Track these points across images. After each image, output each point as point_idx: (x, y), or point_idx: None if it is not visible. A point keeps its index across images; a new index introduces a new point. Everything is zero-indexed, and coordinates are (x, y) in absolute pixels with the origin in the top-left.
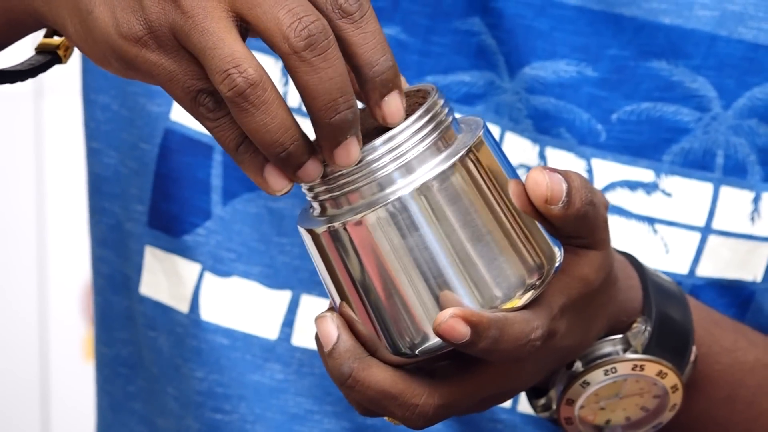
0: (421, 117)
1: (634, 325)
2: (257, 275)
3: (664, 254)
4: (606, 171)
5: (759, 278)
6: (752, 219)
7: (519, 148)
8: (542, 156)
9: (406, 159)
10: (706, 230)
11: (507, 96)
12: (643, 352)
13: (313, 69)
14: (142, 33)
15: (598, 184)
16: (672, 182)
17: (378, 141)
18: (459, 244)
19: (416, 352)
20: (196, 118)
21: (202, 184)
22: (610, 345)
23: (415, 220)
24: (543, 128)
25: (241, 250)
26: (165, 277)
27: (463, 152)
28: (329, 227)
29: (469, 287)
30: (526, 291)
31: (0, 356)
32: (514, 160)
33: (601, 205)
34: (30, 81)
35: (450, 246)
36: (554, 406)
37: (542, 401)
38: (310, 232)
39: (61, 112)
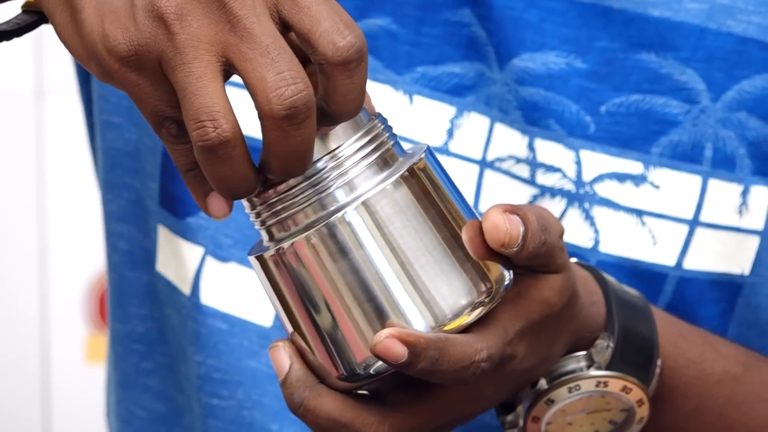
0: (361, 137)
1: (597, 341)
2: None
3: (652, 246)
4: (595, 163)
5: (747, 272)
6: (740, 212)
7: (508, 140)
8: (531, 147)
9: (348, 178)
10: (694, 223)
11: (497, 87)
12: (607, 368)
13: (284, 135)
14: (126, 54)
15: (587, 175)
16: (660, 174)
17: (319, 161)
18: (402, 261)
19: (362, 376)
20: (158, 136)
21: None
22: (574, 362)
23: (357, 238)
24: (532, 119)
25: (237, 237)
26: (173, 258)
27: (403, 170)
28: (276, 249)
29: (415, 305)
30: (474, 308)
31: (1, 358)
32: (503, 152)
33: (556, 236)
34: (31, 82)
35: (393, 263)
36: (521, 423)
37: (510, 417)
38: (259, 258)
39: (62, 114)
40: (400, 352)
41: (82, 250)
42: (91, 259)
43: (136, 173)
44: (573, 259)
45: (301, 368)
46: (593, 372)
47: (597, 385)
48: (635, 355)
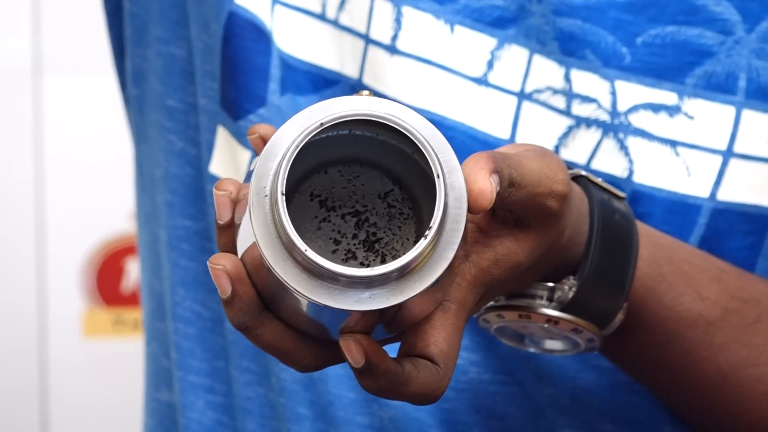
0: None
1: (564, 279)
2: None
3: (686, 177)
4: (630, 93)
5: None
6: None
7: (546, 71)
8: (567, 78)
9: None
10: (728, 153)
11: (535, 19)
12: (564, 309)
13: None
14: None
15: (622, 106)
16: (694, 105)
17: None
18: None
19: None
20: None
21: (260, 71)
22: (537, 288)
23: None
24: (569, 50)
25: None
26: (231, 159)
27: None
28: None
29: None
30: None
31: None
32: (541, 83)
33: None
34: (29, 58)
35: None
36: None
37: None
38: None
39: (60, 90)
40: (357, 358)
41: (80, 226)
42: (88, 235)
43: (190, 74)
44: (580, 171)
45: (246, 294)
46: (545, 310)
47: (547, 322)
48: (599, 300)
